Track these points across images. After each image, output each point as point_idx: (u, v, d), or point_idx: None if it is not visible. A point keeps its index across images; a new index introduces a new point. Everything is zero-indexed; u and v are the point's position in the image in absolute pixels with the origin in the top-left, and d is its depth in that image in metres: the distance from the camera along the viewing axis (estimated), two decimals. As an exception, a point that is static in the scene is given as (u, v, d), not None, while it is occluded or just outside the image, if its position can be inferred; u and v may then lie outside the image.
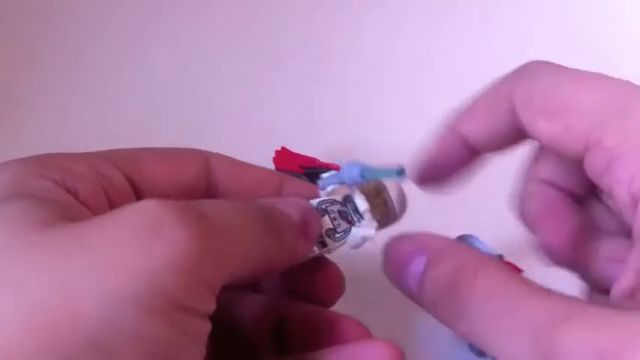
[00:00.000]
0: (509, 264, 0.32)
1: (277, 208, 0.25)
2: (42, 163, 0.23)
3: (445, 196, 0.38)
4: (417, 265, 0.26)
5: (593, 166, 0.25)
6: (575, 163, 0.26)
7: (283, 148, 0.44)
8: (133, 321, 0.17)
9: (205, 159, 0.27)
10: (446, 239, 0.27)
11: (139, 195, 0.25)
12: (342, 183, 0.30)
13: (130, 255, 0.18)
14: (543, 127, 0.25)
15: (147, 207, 0.19)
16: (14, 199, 0.20)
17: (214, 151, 0.28)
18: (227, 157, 0.28)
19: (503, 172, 0.35)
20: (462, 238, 0.35)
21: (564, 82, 0.25)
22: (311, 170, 0.43)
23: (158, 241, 0.18)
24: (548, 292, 0.23)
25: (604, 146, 0.24)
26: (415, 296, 0.26)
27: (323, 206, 0.30)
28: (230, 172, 0.28)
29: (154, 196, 0.22)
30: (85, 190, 0.23)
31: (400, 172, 0.29)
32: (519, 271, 0.31)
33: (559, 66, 0.27)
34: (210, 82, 0.56)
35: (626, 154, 0.23)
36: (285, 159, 0.44)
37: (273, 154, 0.45)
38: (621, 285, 0.24)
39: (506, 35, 0.57)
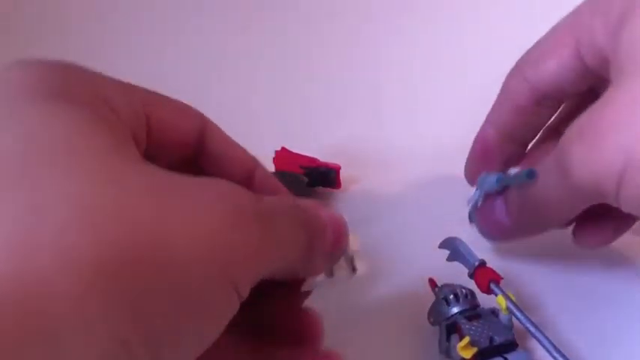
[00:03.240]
0: (490, 270, 0.32)
1: (319, 215, 0.26)
2: (85, 76, 0.23)
3: (433, 201, 0.38)
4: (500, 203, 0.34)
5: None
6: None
7: (283, 148, 0.44)
8: (202, 287, 0.19)
9: (202, 119, 0.29)
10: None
11: (149, 134, 0.25)
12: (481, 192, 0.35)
13: (217, 229, 0.19)
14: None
15: (236, 194, 0.21)
16: (82, 106, 0.20)
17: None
18: (217, 126, 0.29)
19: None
20: (448, 241, 0.35)
21: None
22: (311, 170, 0.43)
23: (238, 230, 0.20)
24: None
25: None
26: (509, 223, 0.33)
27: None
28: (219, 140, 0.28)
29: (160, 142, 0.25)
30: (124, 116, 0.23)
31: (530, 175, 0.31)
32: (499, 278, 0.31)
33: None
34: (209, 82, 0.56)
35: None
36: (285, 159, 0.44)
37: (273, 154, 0.44)
38: None
39: (509, 35, 0.56)
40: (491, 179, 0.33)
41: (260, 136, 0.49)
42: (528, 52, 0.35)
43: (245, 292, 0.20)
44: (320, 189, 0.43)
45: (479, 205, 0.35)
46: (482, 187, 0.35)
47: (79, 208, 0.17)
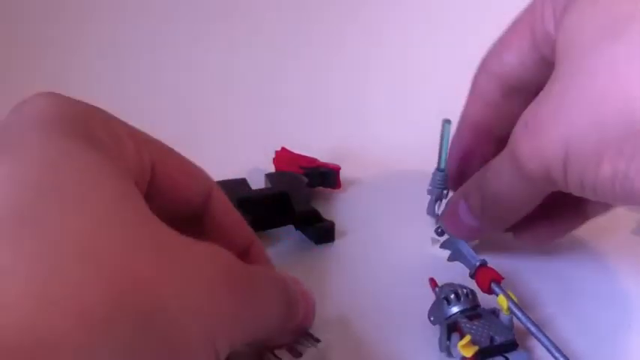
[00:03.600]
0: (491, 270, 0.32)
1: (294, 289, 0.26)
2: (96, 115, 0.23)
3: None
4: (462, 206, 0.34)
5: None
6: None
7: (283, 148, 0.44)
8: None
9: (210, 185, 0.28)
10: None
11: (148, 192, 0.25)
12: None
13: (207, 296, 0.20)
14: None
15: (227, 259, 0.22)
16: (94, 144, 0.21)
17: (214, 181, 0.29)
18: (223, 194, 0.29)
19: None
20: (449, 241, 0.36)
21: None
22: (311, 170, 0.43)
23: (225, 294, 0.21)
24: None
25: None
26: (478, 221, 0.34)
27: None
28: (222, 209, 0.28)
29: (161, 202, 0.24)
30: (130, 162, 0.23)
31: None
32: (500, 278, 0.31)
33: None
34: (210, 83, 0.56)
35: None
36: (285, 159, 0.44)
37: (273, 154, 0.44)
38: None
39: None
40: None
41: (260, 136, 0.49)
42: (492, 47, 0.34)
43: (224, 355, 0.21)
44: (320, 189, 0.43)
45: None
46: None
47: (91, 262, 0.17)
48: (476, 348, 0.28)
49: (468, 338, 0.29)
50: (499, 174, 0.31)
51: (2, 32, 0.60)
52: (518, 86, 0.33)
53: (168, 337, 0.18)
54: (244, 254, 0.29)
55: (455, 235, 0.35)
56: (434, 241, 0.37)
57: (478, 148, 0.35)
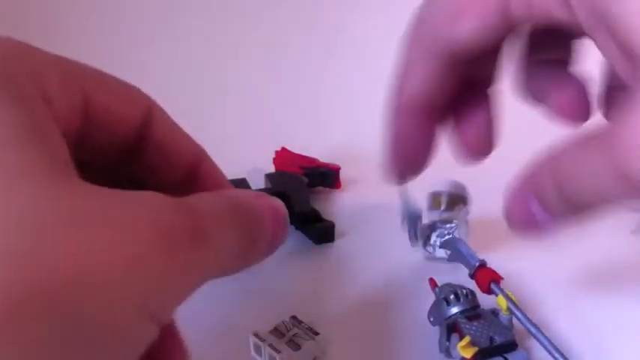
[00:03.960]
0: (490, 270, 0.32)
1: (256, 206, 0.24)
2: (22, 55, 0.21)
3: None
4: (533, 203, 0.28)
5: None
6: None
7: (283, 148, 0.44)
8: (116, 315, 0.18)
9: (149, 104, 0.26)
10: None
11: (86, 117, 0.24)
12: None
13: (141, 255, 0.18)
14: None
15: (161, 209, 0.20)
16: (7, 102, 0.19)
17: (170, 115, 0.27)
18: (165, 113, 0.27)
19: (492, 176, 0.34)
20: (449, 241, 0.35)
21: None
22: (311, 170, 0.43)
23: (165, 253, 0.19)
24: None
25: None
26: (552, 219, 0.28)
27: None
28: (164, 128, 0.26)
29: (97, 128, 0.23)
30: (58, 107, 0.21)
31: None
32: (500, 278, 0.31)
33: None
34: (210, 83, 0.56)
35: None
36: (285, 159, 0.44)
37: (273, 154, 0.44)
38: None
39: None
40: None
41: (260, 136, 0.49)
42: (426, 10, 0.29)
43: (166, 317, 0.20)
44: (320, 189, 0.43)
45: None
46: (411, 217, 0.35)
47: None
48: (475, 349, 0.28)
49: (467, 339, 0.29)
50: (590, 175, 0.27)
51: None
52: (467, 57, 0.29)
53: (90, 318, 0.17)
54: (192, 176, 0.27)
55: (524, 233, 0.31)
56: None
57: (418, 128, 0.31)
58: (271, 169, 0.44)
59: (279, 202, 0.26)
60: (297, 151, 0.44)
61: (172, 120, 0.27)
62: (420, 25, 0.30)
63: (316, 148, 0.45)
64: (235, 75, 0.56)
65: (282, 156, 0.44)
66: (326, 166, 0.43)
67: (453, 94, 0.29)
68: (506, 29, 0.28)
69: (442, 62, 0.29)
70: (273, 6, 0.61)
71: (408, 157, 0.32)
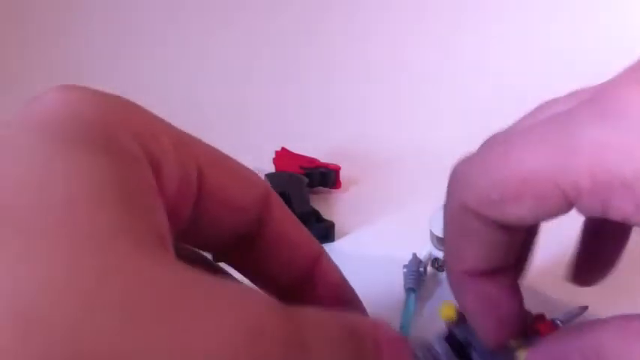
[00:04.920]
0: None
1: (375, 339, 0.20)
2: (128, 111, 0.18)
3: (433, 201, 0.38)
4: None
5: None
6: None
7: (283, 149, 0.44)
8: None
9: (267, 190, 0.23)
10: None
11: (198, 199, 0.21)
12: None
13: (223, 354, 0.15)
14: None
15: (257, 311, 0.16)
16: (85, 154, 0.16)
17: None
18: (282, 202, 0.24)
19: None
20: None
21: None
22: (311, 170, 0.43)
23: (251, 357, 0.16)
24: None
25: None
26: None
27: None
28: (282, 218, 0.23)
29: (211, 210, 0.20)
30: (168, 174, 0.18)
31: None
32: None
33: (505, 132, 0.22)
34: (210, 83, 0.56)
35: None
36: (285, 159, 0.44)
37: (273, 154, 0.45)
38: None
39: (507, 39, 0.57)
40: None
41: (260, 136, 0.49)
42: (471, 180, 0.23)
43: None
44: (320, 189, 0.43)
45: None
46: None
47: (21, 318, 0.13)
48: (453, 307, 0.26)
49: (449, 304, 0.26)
50: None
51: (14, 23, 0.60)
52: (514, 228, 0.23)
53: None
54: (309, 271, 0.24)
55: None
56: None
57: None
58: (271, 169, 0.44)
59: (401, 337, 0.22)
60: (297, 151, 0.44)
61: (288, 209, 0.24)
62: (462, 196, 0.24)
63: (316, 148, 0.45)
64: (235, 75, 0.56)
65: (282, 156, 0.44)
66: (326, 166, 0.43)
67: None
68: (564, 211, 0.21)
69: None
70: (273, 6, 0.61)
71: (500, 317, 0.25)
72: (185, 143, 0.20)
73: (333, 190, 0.44)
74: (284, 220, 0.23)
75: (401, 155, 0.46)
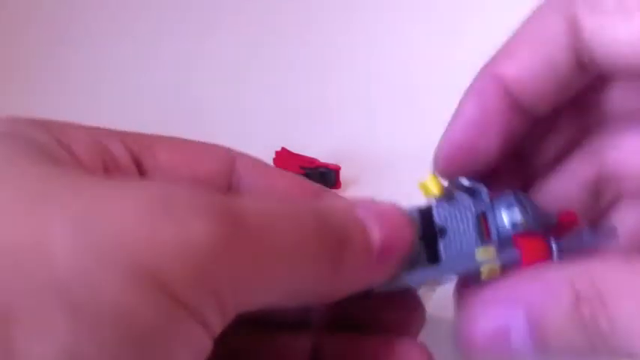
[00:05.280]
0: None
1: (352, 212, 0.19)
2: (37, 120, 0.19)
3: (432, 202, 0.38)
4: (516, 326, 0.18)
5: None
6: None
7: (283, 149, 0.44)
8: (115, 289, 0.14)
9: (230, 158, 0.23)
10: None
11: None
12: None
13: (133, 222, 0.15)
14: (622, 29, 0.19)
15: (163, 185, 0.16)
16: (7, 137, 0.17)
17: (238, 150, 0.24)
18: (254, 159, 0.23)
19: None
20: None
21: None
22: (311, 170, 0.43)
23: (169, 220, 0.15)
24: None
25: None
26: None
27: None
28: (257, 176, 0.23)
29: None
30: (81, 152, 0.19)
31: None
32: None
33: None
34: (210, 82, 0.56)
35: None
36: (285, 159, 0.44)
37: (273, 154, 0.44)
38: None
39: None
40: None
41: (260, 136, 0.49)
42: (504, 44, 0.24)
43: (211, 312, 0.15)
44: (320, 189, 0.43)
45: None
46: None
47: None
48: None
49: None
50: None
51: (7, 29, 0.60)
52: (532, 102, 0.23)
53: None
54: None
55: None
56: None
57: (506, 118, 0.23)
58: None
59: (392, 206, 0.21)
60: (297, 151, 0.44)
61: (260, 161, 0.23)
62: (491, 59, 0.24)
63: (316, 148, 0.45)
64: (235, 75, 0.56)
65: (282, 156, 0.44)
66: (326, 166, 0.43)
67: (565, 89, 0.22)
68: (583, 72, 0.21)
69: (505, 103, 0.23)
70: (273, 5, 0.61)
71: (476, 146, 0.24)
72: (113, 134, 0.20)
73: (333, 190, 0.44)
74: (256, 175, 0.22)
75: (401, 155, 0.46)
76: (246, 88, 0.55)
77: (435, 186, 0.23)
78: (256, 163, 0.23)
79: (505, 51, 0.23)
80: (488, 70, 0.23)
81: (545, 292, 0.18)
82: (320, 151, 0.45)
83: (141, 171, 0.20)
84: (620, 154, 0.23)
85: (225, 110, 0.53)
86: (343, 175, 0.43)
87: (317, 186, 0.23)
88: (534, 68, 0.22)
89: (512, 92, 0.22)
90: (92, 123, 0.21)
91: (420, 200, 0.38)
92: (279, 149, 0.44)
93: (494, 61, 0.23)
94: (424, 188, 0.23)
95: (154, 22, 0.61)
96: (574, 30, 0.21)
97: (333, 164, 0.44)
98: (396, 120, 0.51)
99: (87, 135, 0.20)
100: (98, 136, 0.20)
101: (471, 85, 0.24)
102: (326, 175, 0.43)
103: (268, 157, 0.44)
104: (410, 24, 0.60)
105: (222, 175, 0.22)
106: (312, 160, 0.44)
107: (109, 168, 0.19)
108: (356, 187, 0.44)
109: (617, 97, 0.23)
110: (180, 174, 0.21)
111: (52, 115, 0.20)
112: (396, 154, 0.47)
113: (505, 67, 0.23)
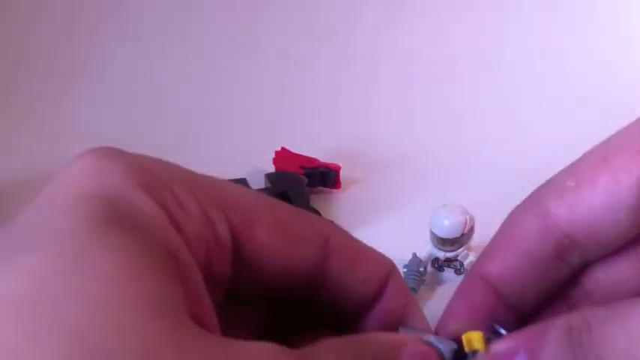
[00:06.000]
0: None
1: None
2: (149, 175, 0.19)
3: (433, 202, 0.38)
4: None
5: None
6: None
7: (283, 149, 0.44)
8: None
9: (326, 237, 0.22)
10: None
11: (239, 263, 0.20)
12: None
13: None
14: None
15: None
16: (118, 234, 0.17)
17: (331, 224, 0.23)
18: (347, 235, 0.23)
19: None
20: None
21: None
22: (311, 170, 0.43)
23: None
24: None
25: None
26: None
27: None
28: (348, 256, 0.22)
29: (256, 277, 0.20)
30: (191, 237, 0.19)
31: None
32: None
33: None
34: (210, 83, 0.56)
35: None
36: (285, 159, 0.44)
37: (273, 154, 0.45)
38: None
39: (508, 38, 0.57)
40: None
41: (260, 136, 0.49)
42: (553, 179, 0.23)
43: None
44: (320, 189, 0.43)
45: None
46: None
47: None
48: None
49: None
50: None
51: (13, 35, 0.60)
52: (586, 242, 0.23)
53: None
54: (376, 293, 0.23)
55: None
56: None
57: (489, 311, 0.24)
58: (271, 169, 0.44)
59: (430, 350, 0.21)
60: (297, 151, 0.44)
61: (352, 239, 0.23)
62: (537, 194, 0.23)
63: (316, 148, 0.45)
64: (235, 75, 0.56)
65: (282, 156, 0.44)
66: (326, 166, 0.43)
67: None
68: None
69: (554, 247, 0.23)
70: (273, 6, 0.61)
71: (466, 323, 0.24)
72: (218, 202, 0.20)
73: (333, 190, 0.44)
74: (347, 255, 0.22)
75: (401, 155, 0.46)
76: (246, 88, 0.55)
77: (478, 343, 0.23)
78: (348, 241, 0.23)
79: (488, 253, 0.24)
80: (474, 272, 0.24)
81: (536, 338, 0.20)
82: (320, 151, 0.45)
83: (237, 255, 0.20)
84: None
85: (226, 110, 0.53)
86: (343, 175, 0.43)
87: (390, 263, 0.23)
88: (515, 265, 0.23)
89: (497, 289, 0.24)
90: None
91: (419, 199, 0.38)
92: (279, 149, 0.44)
93: (479, 263, 0.25)
94: (467, 342, 0.23)
95: (154, 21, 0.61)
96: (549, 223, 0.23)
97: (333, 164, 0.44)
98: (396, 120, 0.51)
99: (195, 202, 0.19)
100: (207, 208, 0.20)
101: (459, 287, 0.25)
102: (326, 175, 0.43)
103: (268, 157, 0.44)
104: (411, 25, 0.60)
105: (316, 259, 0.22)
106: (312, 160, 0.44)
107: (211, 256, 0.20)
108: (356, 187, 0.44)
109: (598, 279, 0.24)
110: (276, 260, 0.21)
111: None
112: (396, 154, 0.47)
113: (489, 266, 0.24)
